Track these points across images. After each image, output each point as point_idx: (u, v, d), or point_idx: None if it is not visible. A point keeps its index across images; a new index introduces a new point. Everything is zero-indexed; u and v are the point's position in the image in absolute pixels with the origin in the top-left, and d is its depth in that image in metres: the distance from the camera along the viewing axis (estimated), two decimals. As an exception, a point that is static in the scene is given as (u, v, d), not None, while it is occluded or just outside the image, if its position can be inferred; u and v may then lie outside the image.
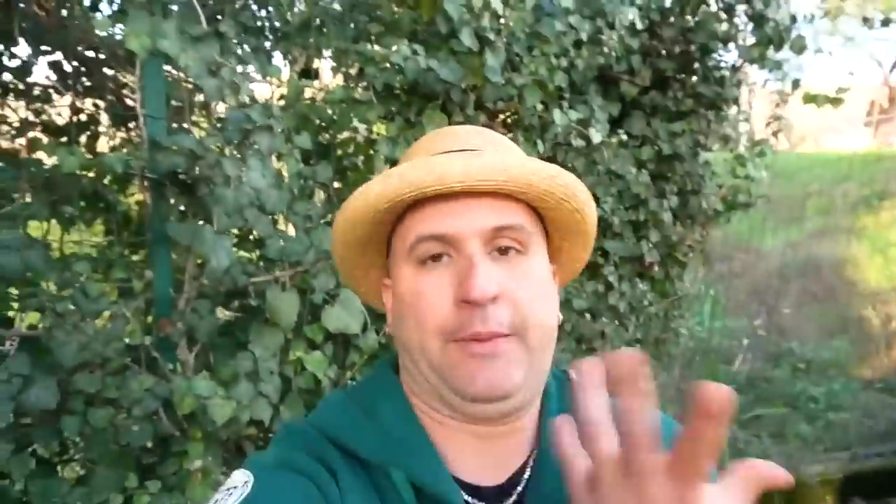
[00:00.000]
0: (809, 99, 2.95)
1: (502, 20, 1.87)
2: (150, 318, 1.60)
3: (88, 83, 1.97)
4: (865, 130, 11.76)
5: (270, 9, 2.23)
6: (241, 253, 1.77)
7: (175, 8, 1.47)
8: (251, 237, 1.84)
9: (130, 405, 1.34)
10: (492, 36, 1.78)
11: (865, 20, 2.80)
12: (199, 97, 1.81)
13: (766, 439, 3.89)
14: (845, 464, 3.34)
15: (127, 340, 1.48)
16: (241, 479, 0.59)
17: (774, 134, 3.22)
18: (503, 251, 0.62)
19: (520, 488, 0.65)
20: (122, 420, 1.37)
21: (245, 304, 1.80)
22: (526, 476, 0.66)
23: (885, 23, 2.73)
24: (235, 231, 1.77)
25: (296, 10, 2.29)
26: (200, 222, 1.42)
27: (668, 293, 3.12)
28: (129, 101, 1.91)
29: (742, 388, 4.66)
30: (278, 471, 0.60)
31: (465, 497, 0.63)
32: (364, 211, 0.62)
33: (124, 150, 1.46)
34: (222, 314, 1.72)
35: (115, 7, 1.72)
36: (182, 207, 1.53)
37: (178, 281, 1.57)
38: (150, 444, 1.44)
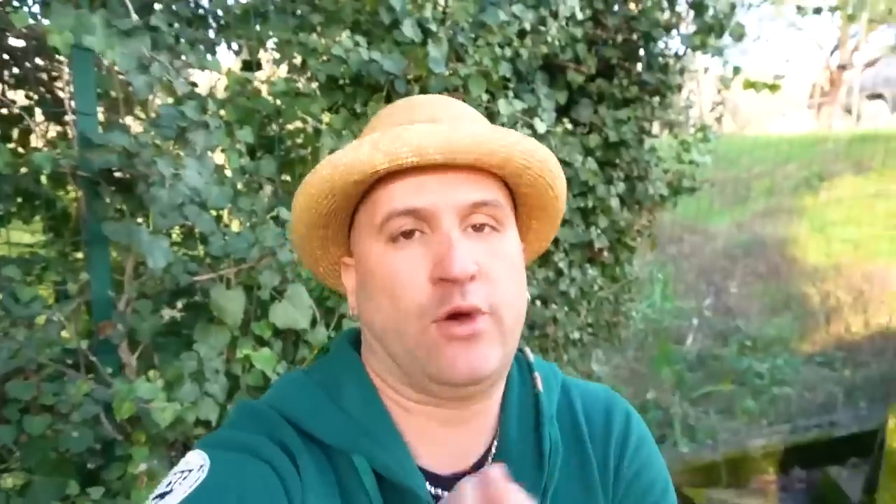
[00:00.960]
0: (749, 85, 3.03)
1: (446, 10, 1.87)
2: (89, 322, 1.56)
3: (18, 74, 1.88)
4: (807, 113, 12.19)
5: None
6: (185, 251, 1.73)
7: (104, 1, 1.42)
8: (195, 234, 1.81)
9: (69, 411, 1.31)
10: (434, 27, 1.77)
11: (800, 9, 2.89)
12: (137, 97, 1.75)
13: (715, 415, 4.04)
14: (786, 436, 3.50)
15: (65, 345, 1.44)
16: (196, 462, 0.57)
17: (718, 119, 3.32)
18: (478, 228, 0.60)
19: None
20: (60, 426, 1.34)
21: (191, 303, 1.76)
22: (489, 462, 0.66)
23: (817, 11, 2.83)
24: (177, 229, 1.73)
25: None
26: (138, 221, 1.38)
27: (619, 278, 3.19)
28: (60, 94, 1.84)
29: (693, 367, 4.82)
30: (236, 455, 0.58)
31: (429, 487, 0.62)
32: (331, 183, 0.59)
33: (56, 149, 1.40)
34: (168, 314, 1.69)
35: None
36: (119, 206, 1.49)
37: (118, 281, 1.53)
38: (94, 449, 1.41)
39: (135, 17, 1.26)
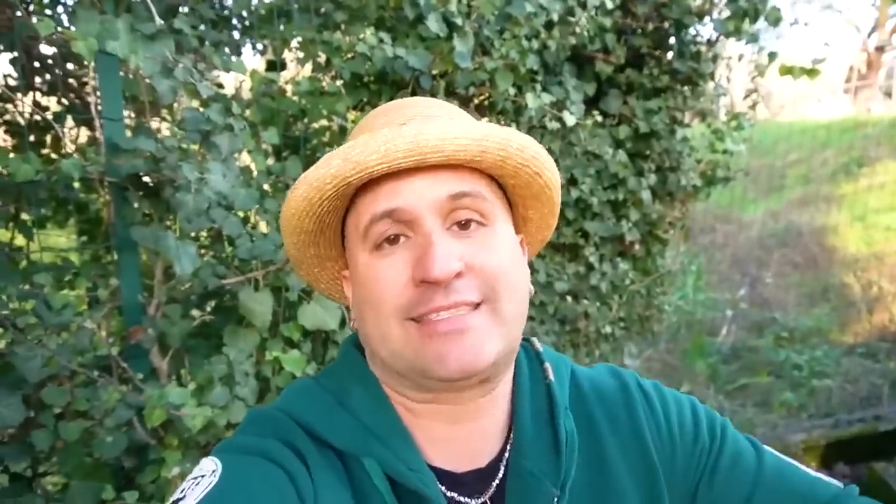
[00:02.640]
0: (785, 71, 2.92)
1: (471, 4, 1.83)
2: (121, 326, 1.57)
3: (50, 80, 1.90)
4: (844, 97, 11.79)
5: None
6: (213, 254, 1.73)
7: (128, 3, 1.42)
8: (223, 238, 1.81)
9: (102, 416, 1.31)
10: (460, 20, 1.74)
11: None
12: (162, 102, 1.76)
13: (751, 408, 3.94)
14: (828, 430, 3.40)
15: (97, 350, 1.45)
16: (209, 468, 0.57)
17: (752, 107, 3.21)
18: (464, 225, 0.59)
19: (501, 470, 0.64)
20: (95, 432, 1.35)
21: (220, 305, 1.77)
22: (506, 457, 0.65)
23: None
24: (205, 232, 1.73)
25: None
26: (167, 225, 1.38)
27: (650, 271, 3.12)
28: (89, 100, 1.86)
29: (727, 359, 4.71)
30: (247, 458, 0.58)
31: (442, 488, 0.61)
32: (308, 201, 0.58)
33: (84, 154, 1.40)
34: (197, 315, 1.69)
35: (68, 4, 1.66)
36: (147, 211, 1.49)
37: (148, 286, 1.54)
38: (127, 454, 1.42)
39: (159, 21, 1.25)
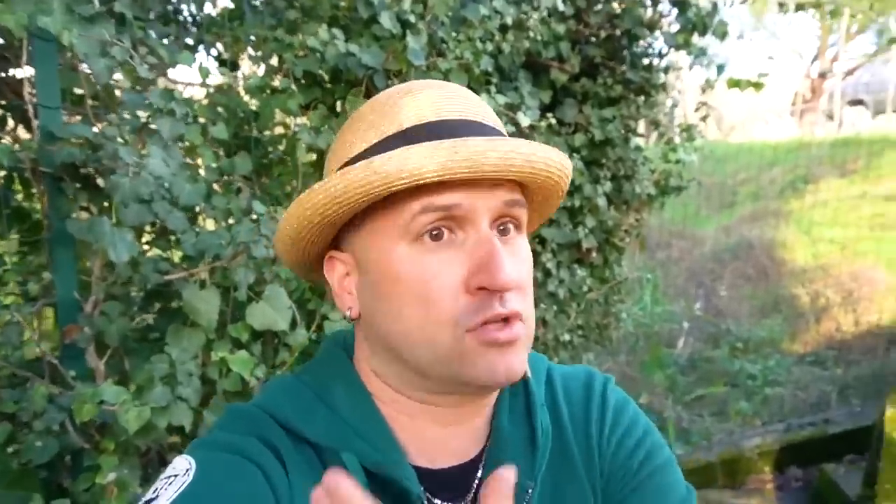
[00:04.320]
0: (733, 84, 3.03)
1: (425, 4, 1.83)
2: (56, 325, 1.49)
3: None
4: (790, 120, 12.32)
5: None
6: (157, 252, 1.67)
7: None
8: (169, 235, 1.75)
9: (31, 419, 1.23)
10: (413, 19, 1.74)
11: (781, 6, 2.89)
12: (104, 88, 1.69)
13: (709, 418, 4.00)
14: (781, 435, 3.47)
15: (26, 345, 1.37)
16: (182, 466, 0.55)
17: (703, 119, 3.31)
18: (503, 231, 0.59)
19: (481, 470, 0.64)
20: (23, 436, 1.26)
21: (165, 307, 1.70)
22: (485, 455, 0.65)
23: (799, 7, 2.83)
24: (149, 228, 1.67)
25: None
26: (102, 217, 1.32)
27: (607, 279, 3.16)
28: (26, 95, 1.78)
29: (685, 370, 4.79)
30: (222, 455, 0.56)
31: (426, 493, 0.60)
32: (369, 186, 0.54)
33: (17, 142, 1.34)
34: (142, 319, 1.62)
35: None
36: (86, 204, 1.42)
37: (85, 283, 1.47)
38: (59, 459, 1.34)
39: (98, 4, 1.21)
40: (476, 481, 0.63)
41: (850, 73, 13.26)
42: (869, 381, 4.16)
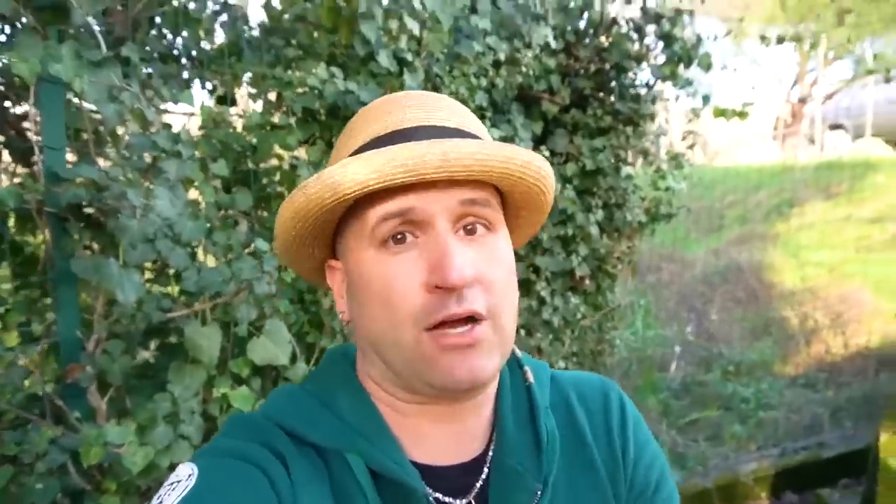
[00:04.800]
0: (719, 113, 3.11)
1: (420, 42, 1.88)
2: (59, 364, 1.48)
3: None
4: (773, 144, 12.55)
5: (185, 34, 2.16)
6: (157, 288, 1.67)
7: (75, 35, 1.40)
8: (168, 271, 1.75)
9: (33, 461, 1.23)
10: (410, 57, 1.78)
11: (763, 38, 2.99)
12: (106, 128, 1.72)
13: (703, 442, 4.00)
14: (776, 459, 3.47)
15: (30, 390, 1.37)
16: (185, 472, 0.56)
17: (690, 147, 3.38)
18: (470, 231, 0.60)
19: (485, 471, 0.64)
20: (25, 478, 1.25)
21: (166, 343, 1.70)
22: (490, 456, 0.65)
23: (780, 40, 2.92)
24: (150, 265, 1.67)
25: (212, 36, 2.23)
26: (108, 257, 1.33)
27: (601, 305, 3.18)
28: (29, 135, 1.80)
29: (678, 394, 4.79)
30: (224, 461, 0.57)
31: (427, 488, 0.61)
32: (320, 201, 0.57)
33: (23, 185, 1.35)
34: (141, 356, 1.62)
35: (7, 35, 1.62)
36: (89, 243, 1.43)
37: (87, 321, 1.47)
38: (60, 502, 1.32)
39: (105, 49, 1.24)
40: (480, 481, 0.64)
41: (829, 97, 13.57)
42: (860, 403, 4.18)
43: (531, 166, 0.61)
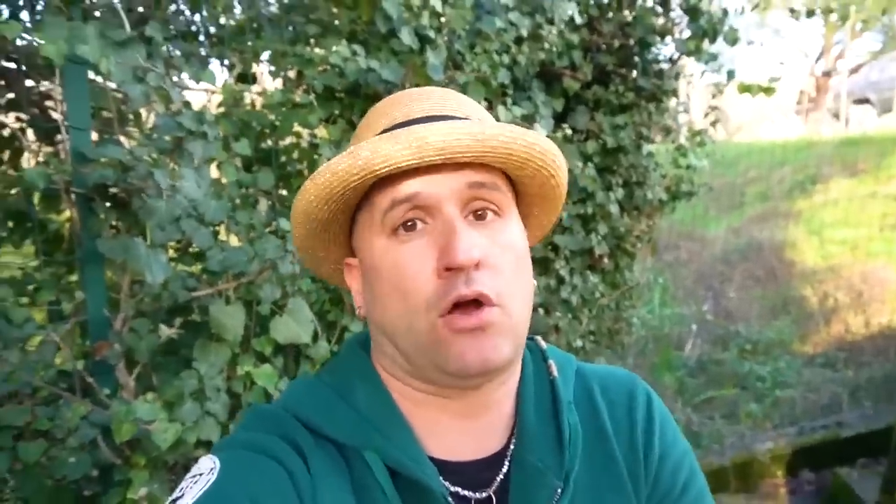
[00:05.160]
0: (744, 89, 3.03)
1: (442, 19, 1.85)
2: (86, 341, 1.51)
3: (11, 96, 1.85)
4: (796, 118, 12.29)
5: (204, 13, 2.15)
6: (182, 267, 1.69)
7: (97, 14, 1.39)
8: (191, 250, 1.77)
9: (65, 436, 1.26)
10: (432, 34, 1.75)
11: (792, 11, 2.90)
12: (130, 107, 1.72)
13: (719, 420, 4.00)
14: (793, 438, 3.47)
15: (61, 367, 1.40)
16: (207, 466, 0.57)
17: (713, 124, 3.32)
18: (480, 216, 0.60)
19: (506, 465, 0.64)
20: (56, 453, 1.29)
21: (189, 321, 1.72)
22: (510, 451, 0.65)
23: (810, 14, 2.83)
24: (174, 244, 1.69)
25: (232, 13, 2.21)
26: (134, 237, 1.34)
27: (619, 284, 3.17)
28: (53, 114, 1.81)
29: (694, 373, 4.79)
30: (246, 454, 0.58)
31: (445, 482, 0.61)
32: (329, 189, 0.58)
33: (49, 164, 1.36)
34: (165, 333, 1.65)
35: (33, 17, 1.62)
36: (114, 223, 1.45)
37: (114, 300, 1.49)
38: (92, 474, 1.36)
39: (129, 28, 1.23)
40: (500, 476, 0.64)
41: (855, 70, 13.22)
42: (881, 383, 4.15)
43: (536, 147, 0.60)
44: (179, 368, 1.51)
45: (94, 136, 1.53)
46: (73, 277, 1.75)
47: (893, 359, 4.47)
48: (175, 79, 1.28)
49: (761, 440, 3.56)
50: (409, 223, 0.59)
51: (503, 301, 0.58)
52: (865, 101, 11.16)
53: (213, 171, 1.70)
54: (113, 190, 1.40)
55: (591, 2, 2.52)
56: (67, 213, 1.76)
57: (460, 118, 0.63)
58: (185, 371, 1.40)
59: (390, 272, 0.59)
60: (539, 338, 0.75)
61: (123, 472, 1.37)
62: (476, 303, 0.57)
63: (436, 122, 0.57)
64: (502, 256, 0.59)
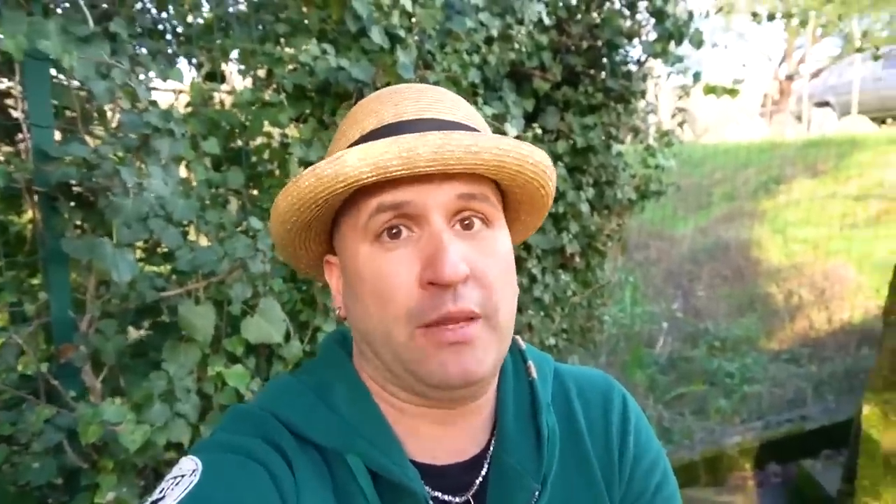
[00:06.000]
0: (709, 90, 3.10)
1: (413, 19, 1.86)
2: (50, 344, 1.48)
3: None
4: (760, 121, 12.61)
5: (171, 10, 2.12)
6: (150, 268, 1.66)
7: (59, 11, 1.37)
8: (159, 251, 1.74)
9: (29, 440, 1.23)
10: (402, 33, 1.76)
11: (755, 15, 2.98)
12: (94, 105, 1.69)
13: (689, 416, 4.08)
14: (760, 432, 3.55)
15: (24, 370, 1.36)
16: (188, 467, 0.55)
17: (680, 125, 3.39)
18: (467, 225, 0.59)
19: (485, 467, 0.64)
20: (19, 458, 1.25)
21: (158, 322, 1.69)
22: (490, 453, 0.65)
23: (771, 17, 2.92)
24: (141, 244, 1.66)
25: (200, 11, 2.19)
26: (100, 236, 1.32)
27: (590, 282, 3.21)
28: (13, 112, 1.76)
29: (665, 370, 4.87)
30: (229, 456, 0.56)
31: (426, 486, 0.60)
32: (314, 194, 0.57)
33: (10, 163, 1.33)
34: (133, 335, 1.62)
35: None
36: (79, 223, 1.42)
37: (79, 301, 1.46)
38: (57, 482, 1.33)
39: (92, 24, 1.21)
40: (479, 479, 0.64)
41: (815, 74, 13.61)
42: (842, 377, 4.28)
43: (529, 159, 0.59)
44: (148, 371, 1.48)
45: (58, 135, 1.50)
46: (36, 280, 1.71)
47: (854, 354, 4.61)
48: (141, 77, 1.26)
49: (729, 434, 3.63)
50: (395, 230, 0.58)
51: (489, 312, 0.57)
52: (826, 104, 11.50)
53: (182, 171, 1.68)
54: (77, 189, 1.37)
55: (560, 3, 2.55)
56: (30, 214, 1.73)
57: (452, 122, 0.62)
58: (154, 372, 1.38)
59: (373, 279, 0.58)
60: (518, 338, 0.74)
61: (90, 476, 1.34)
62: (458, 319, 0.56)
63: (429, 133, 0.55)
64: (489, 267, 0.58)
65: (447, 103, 0.64)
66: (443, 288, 0.55)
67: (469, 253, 0.57)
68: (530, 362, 0.71)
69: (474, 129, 0.63)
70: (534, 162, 0.60)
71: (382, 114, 0.62)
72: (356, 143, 0.61)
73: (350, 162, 0.54)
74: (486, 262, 0.58)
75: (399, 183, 0.56)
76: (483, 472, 0.64)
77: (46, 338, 1.44)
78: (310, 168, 0.57)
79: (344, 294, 0.65)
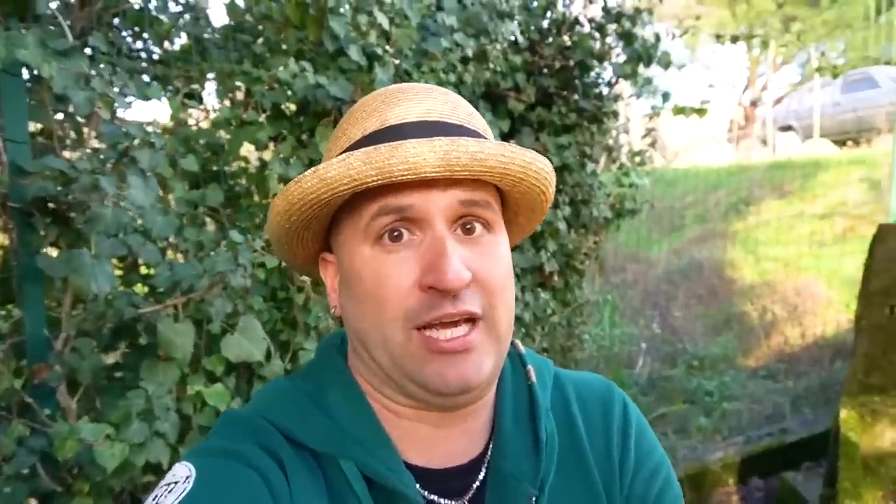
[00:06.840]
0: (678, 111, 3.21)
1: (389, 37, 1.89)
2: (24, 363, 1.43)
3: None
4: (728, 146, 12.98)
5: (147, 37, 2.12)
6: (127, 287, 1.64)
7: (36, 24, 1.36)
8: (138, 269, 1.72)
9: (0, 463, 1.18)
10: (380, 51, 1.79)
11: (718, 37, 3.10)
12: (72, 123, 1.67)
13: (672, 435, 4.09)
14: (741, 448, 3.57)
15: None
16: (182, 473, 0.54)
17: (651, 145, 3.48)
18: (468, 230, 0.59)
19: (482, 472, 0.64)
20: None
21: (135, 344, 1.66)
22: (487, 458, 0.64)
23: (734, 39, 3.03)
24: (118, 262, 1.63)
25: (177, 36, 2.19)
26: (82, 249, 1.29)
27: (570, 302, 3.24)
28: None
29: (645, 390, 4.89)
30: (222, 462, 0.56)
31: (424, 492, 0.60)
32: (317, 195, 0.56)
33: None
34: (111, 357, 1.58)
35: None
36: (53, 239, 1.39)
37: (54, 319, 1.43)
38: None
39: (71, 38, 1.21)
40: (476, 483, 0.63)
41: (778, 101, 14.12)
42: (818, 391, 4.34)
43: (532, 167, 0.60)
44: (124, 392, 1.45)
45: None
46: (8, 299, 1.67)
47: (828, 367, 4.68)
48: (116, 89, 1.26)
49: (712, 451, 3.65)
50: (396, 233, 0.57)
51: (490, 316, 0.58)
52: (789, 128, 11.88)
53: (160, 192, 1.67)
54: (52, 205, 1.35)
55: (532, 27, 2.62)
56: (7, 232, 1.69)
57: (456, 125, 0.61)
58: (132, 391, 1.35)
59: (371, 280, 0.58)
60: (518, 342, 0.74)
61: (65, 501, 1.29)
62: (456, 322, 0.56)
63: (436, 139, 0.54)
64: (490, 272, 0.58)
65: (450, 105, 0.64)
66: (443, 292, 0.55)
67: (470, 257, 0.57)
68: (530, 367, 0.71)
69: (477, 132, 0.63)
70: (537, 169, 0.61)
71: (386, 114, 0.61)
72: (358, 142, 0.61)
73: (355, 165, 0.54)
74: (487, 266, 0.58)
75: (402, 187, 0.56)
76: (480, 477, 0.63)
77: (18, 356, 1.40)
78: (311, 169, 0.56)
79: (340, 293, 0.64)
